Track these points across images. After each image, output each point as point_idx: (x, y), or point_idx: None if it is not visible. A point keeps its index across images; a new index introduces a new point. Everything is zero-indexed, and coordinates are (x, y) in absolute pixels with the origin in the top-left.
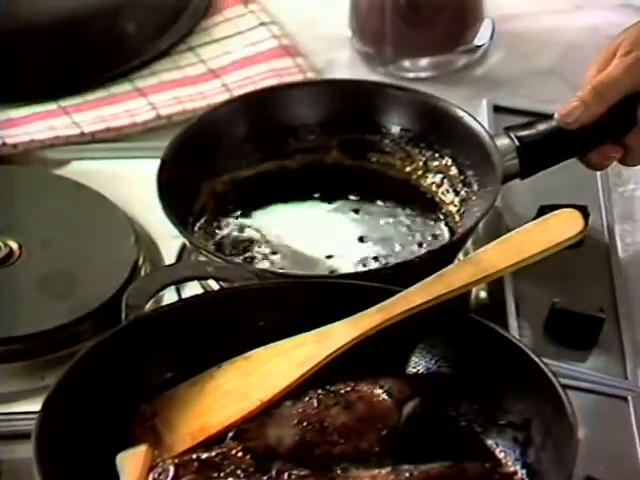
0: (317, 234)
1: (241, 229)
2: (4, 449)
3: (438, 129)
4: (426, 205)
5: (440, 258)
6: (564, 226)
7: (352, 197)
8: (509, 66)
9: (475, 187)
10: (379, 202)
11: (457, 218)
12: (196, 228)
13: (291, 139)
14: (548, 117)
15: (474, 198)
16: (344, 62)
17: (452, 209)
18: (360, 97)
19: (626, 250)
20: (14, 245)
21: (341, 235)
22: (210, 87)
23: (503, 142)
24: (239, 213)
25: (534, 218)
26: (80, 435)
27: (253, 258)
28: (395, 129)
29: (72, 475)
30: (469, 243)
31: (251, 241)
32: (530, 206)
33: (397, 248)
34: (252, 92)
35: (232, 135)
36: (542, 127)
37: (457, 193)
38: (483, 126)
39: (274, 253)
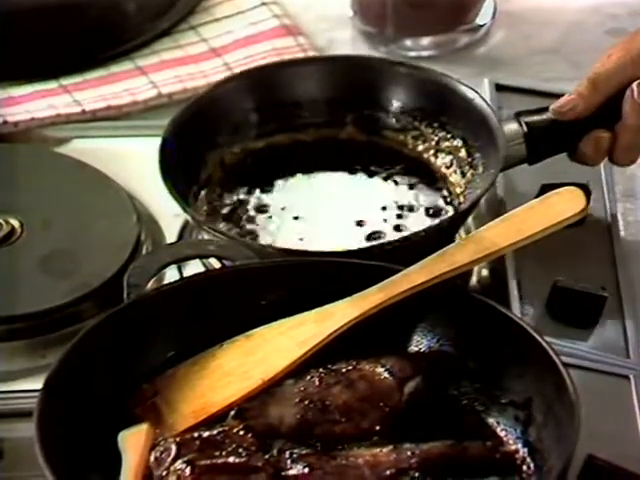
0: (330, 206)
1: (248, 202)
2: (5, 427)
3: (450, 109)
4: (434, 184)
5: (438, 237)
6: (566, 204)
7: (364, 171)
8: (511, 45)
9: (480, 169)
10: (388, 177)
11: (461, 199)
12: (199, 200)
13: (304, 113)
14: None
15: (478, 180)
16: (346, 41)
17: (458, 190)
18: (373, 74)
19: (628, 228)
20: (15, 223)
21: (349, 209)
22: (211, 66)
23: (512, 127)
24: (248, 185)
25: (536, 196)
26: (82, 413)
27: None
28: (408, 107)
29: (74, 453)
30: (471, 222)
31: (260, 211)
32: (532, 184)
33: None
34: (260, 67)
35: (239, 108)
36: (551, 115)
37: (464, 175)
38: (493, 109)
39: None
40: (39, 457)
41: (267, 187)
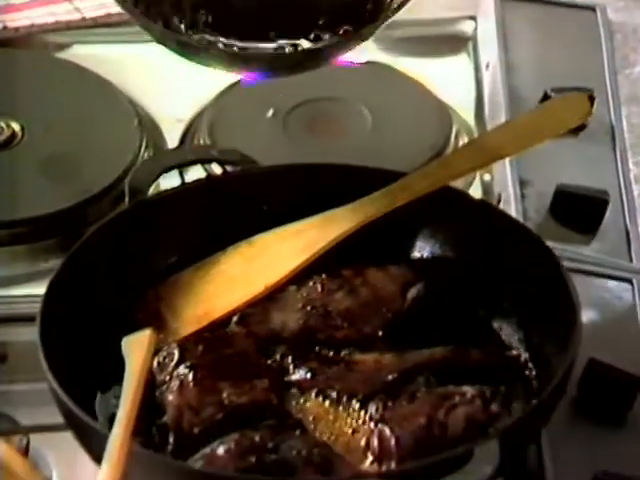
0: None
1: None
2: (8, 331)
3: None
4: None
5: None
6: (570, 110)
7: None
8: None
9: None
10: None
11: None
12: None
13: None
14: None
15: None
16: None
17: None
18: None
19: (632, 131)
20: (16, 127)
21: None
22: None
23: None
24: None
25: (539, 102)
26: (84, 319)
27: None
28: None
29: (76, 358)
30: (474, 127)
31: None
32: (535, 90)
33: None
34: None
35: None
36: None
37: None
38: None
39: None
40: (41, 361)
41: None
